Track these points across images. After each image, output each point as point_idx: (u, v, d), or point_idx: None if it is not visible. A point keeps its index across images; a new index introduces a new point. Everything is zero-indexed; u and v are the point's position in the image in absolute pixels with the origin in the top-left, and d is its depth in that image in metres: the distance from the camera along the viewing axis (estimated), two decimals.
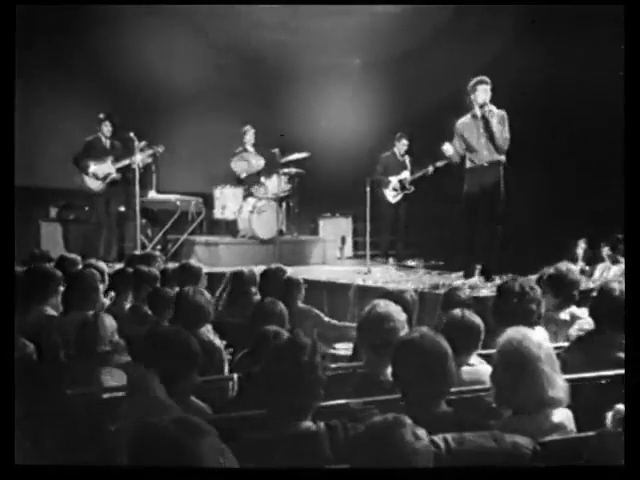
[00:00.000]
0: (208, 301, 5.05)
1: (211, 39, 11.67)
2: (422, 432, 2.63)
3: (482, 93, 7.81)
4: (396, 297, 5.22)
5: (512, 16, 9.68)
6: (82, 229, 10.63)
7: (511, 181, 7.99)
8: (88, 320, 4.43)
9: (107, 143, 10.12)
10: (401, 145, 10.96)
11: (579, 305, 5.18)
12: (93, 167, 9.98)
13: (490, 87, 7.82)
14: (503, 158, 7.94)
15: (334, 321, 6.42)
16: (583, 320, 4.91)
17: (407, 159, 11.03)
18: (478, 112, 7.86)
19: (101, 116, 10.09)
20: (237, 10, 11.40)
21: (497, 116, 7.82)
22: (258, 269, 6.90)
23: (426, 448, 2.62)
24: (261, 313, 4.99)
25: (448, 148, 8.01)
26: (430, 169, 10.43)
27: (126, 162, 10.02)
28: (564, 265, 5.40)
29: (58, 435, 3.29)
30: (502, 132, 7.83)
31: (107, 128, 10.08)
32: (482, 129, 7.86)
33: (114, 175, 10.06)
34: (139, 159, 9.98)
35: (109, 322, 4.43)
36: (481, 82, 7.83)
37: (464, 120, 7.99)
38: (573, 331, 4.86)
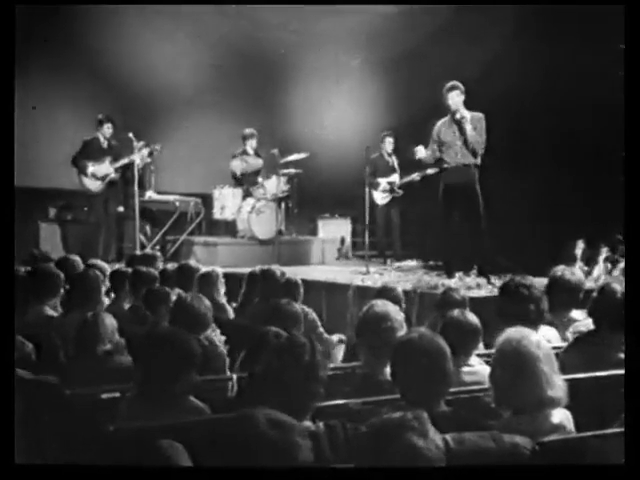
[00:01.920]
0: (207, 307, 4.94)
1: (210, 39, 11.67)
2: (432, 429, 2.65)
3: (452, 99, 7.98)
4: (383, 294, 5.27)
5: (512, 16, 9.68)
6: (81, 229, 10.62)
7: (510, 181, 8.01)
8: (88, 319, 4.42)
9: (105, 143, 10.12)
10: (387, 145, 10.95)
11: (578, 307, 5.16)
12: (91, 168, 9.97)
13: (462, 92, 7.96)
14: (478, 161, 8.05)
15: (326, 335, 6.29)
16: (579, 323, 4.90)
17: (395, 160, 11.01)
18: (456, 115, 8.02)
19: (100, 117, 10.10)
20: (236, 10, 11.41)
21: (471, 121, 7.95)
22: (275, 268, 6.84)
23: (436, 446, 2.63)
24: (277, 314, 4.90)
25: (420, 150, 8.20)
26: (416, 177, 10.48)
27: (124, 162, 10.02)
28: (560, 270, 5.36)
29: (58, 435, 3.29)
30: (476, 137, 7.95)
31: (106, 129, 10.08)
32: (457, 132, 8.01)
33: (113, 175, 10.06)
34: (138, 159, 9.98)
35: (109, 321, 4.41)
36: (452, 88, 8.00)
37: (442, 122, 8.18)
38: (569, 334, 4.86)
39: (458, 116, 7.93)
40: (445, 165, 8.14)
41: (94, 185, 10.03)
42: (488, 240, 8.04)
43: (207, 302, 4.99)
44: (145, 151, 10.08)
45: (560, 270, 5.33)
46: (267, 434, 2.64)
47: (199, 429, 3.15)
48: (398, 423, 2.66)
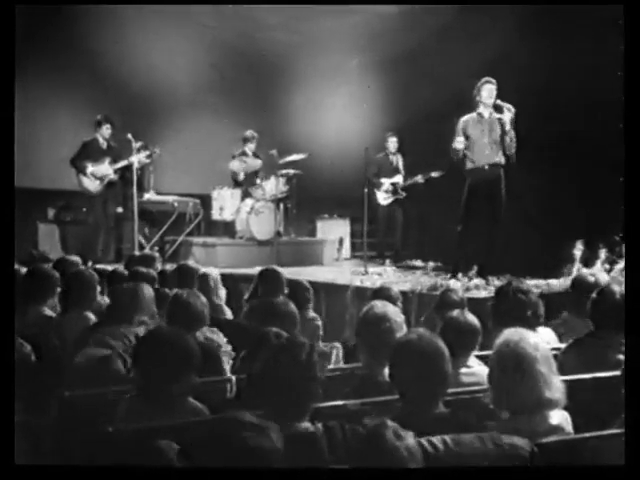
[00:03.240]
0: (203, 304, 4.93)
1: (209, 40, 11.67)
2: (407, 433, 2.65)
3: (487, 92, 7.83)
4: (379, 294, 5.26)
5: (513, 16, 9.68)
6: (80, 230, 10.64)
7: (509, 181, 8.01)
8: (129, 287, 4.46)
9: (104, 144, 10.14)
10: (391, 144, 10.98)
11: None
12: (91, 168, 9.99)
13: (496, 87, 7.85)
14: (503, 160, 7.95)
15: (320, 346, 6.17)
16: None
17: (400, 160, 11.04)
18: (485, 112, 7.91)
19: (99, 117, 10.11)
20: (235, 11, 11.41)
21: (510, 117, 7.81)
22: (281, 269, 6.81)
23: (410, 448, 2.63)
24: (273, 313, 4.89)
25: (460, 141, 7.88)
26: (419, 179, 10.52)
27: (124, 163, 10.04)
28: (586, 273, 5.36)
29: (58, 436, 3.29)
30: (512, 131, 7.82)
31: (105, 130, 10.09)
32: (486, 129, 7.89)
33: (112, 176, 10.07)
34: (136, 160, 9.99)
35: (148, 291, 4.46)
36: (487, 82, 7.86)
37: (468, 117, 7.99)
38: None
39: (502, 108, 7.78)
40: (470, 165, 7.96)
41: (93, 186, 10.04)
42: (499, 242, 8.01)
43: (203, 299, 4.98)
44: (144, 153, 10.10)
45: (588, 274, 5.33)
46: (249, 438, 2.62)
47: (198, 430, 3.15)
48: (366, 431, 2.68)
